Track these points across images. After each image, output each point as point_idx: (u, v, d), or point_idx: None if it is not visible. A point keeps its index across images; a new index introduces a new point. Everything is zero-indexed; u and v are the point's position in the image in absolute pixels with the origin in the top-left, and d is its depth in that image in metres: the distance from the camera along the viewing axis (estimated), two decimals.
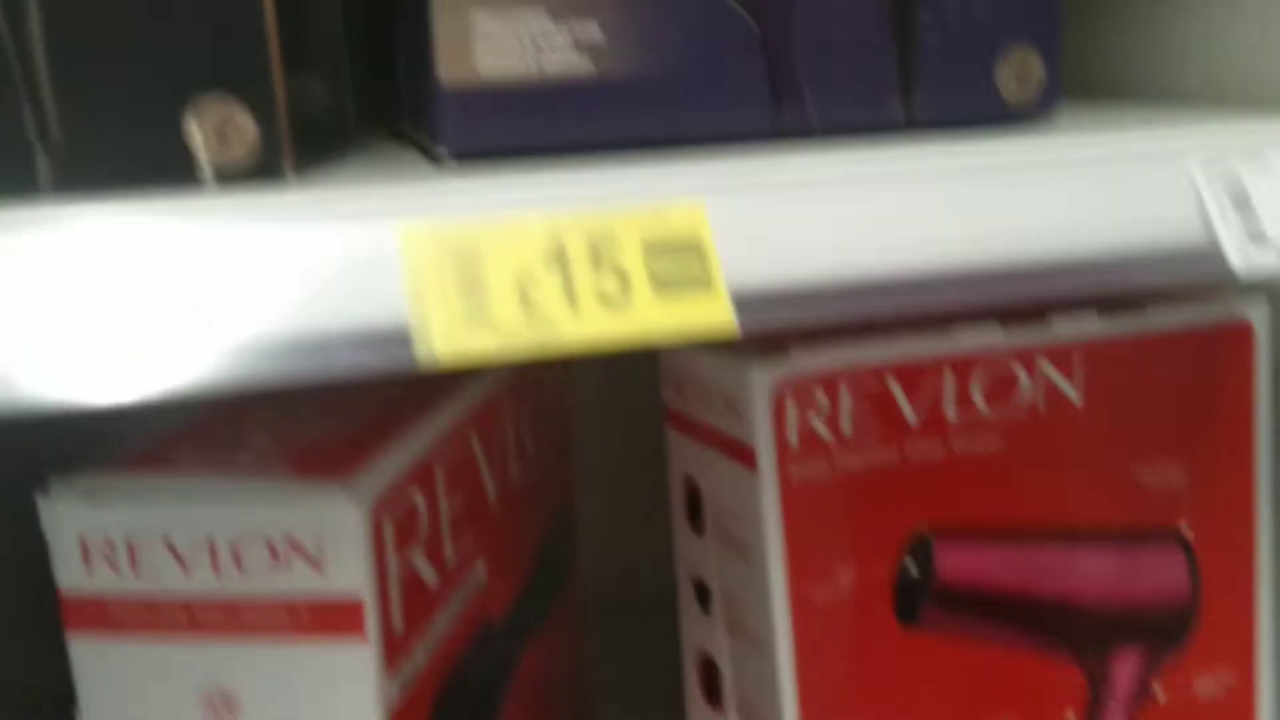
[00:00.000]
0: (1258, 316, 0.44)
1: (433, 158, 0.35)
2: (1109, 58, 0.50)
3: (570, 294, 0.27)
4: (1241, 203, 0.33)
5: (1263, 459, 0.44)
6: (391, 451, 0.35)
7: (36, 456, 0.44)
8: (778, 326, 0.29)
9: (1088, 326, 0.42)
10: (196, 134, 0.29)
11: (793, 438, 0.39)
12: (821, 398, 0.39)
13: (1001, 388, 0.41)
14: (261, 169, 0.30)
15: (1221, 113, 0.42)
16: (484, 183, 0.29)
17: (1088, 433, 0.42)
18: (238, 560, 0.32)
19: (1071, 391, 0.42)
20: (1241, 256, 0.33)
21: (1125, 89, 0.50)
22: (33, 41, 0.27)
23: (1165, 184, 0.33)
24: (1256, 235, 0.33)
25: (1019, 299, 0.31)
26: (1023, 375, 0.41)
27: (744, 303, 0.29)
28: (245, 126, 0.29)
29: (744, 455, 0.39)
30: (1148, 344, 0.43)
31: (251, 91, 0.29)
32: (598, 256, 0.28)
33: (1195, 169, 0.33)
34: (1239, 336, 0.44)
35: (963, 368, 0.41)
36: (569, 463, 0.54)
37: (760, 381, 0.38)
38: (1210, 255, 0.33)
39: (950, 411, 0.41)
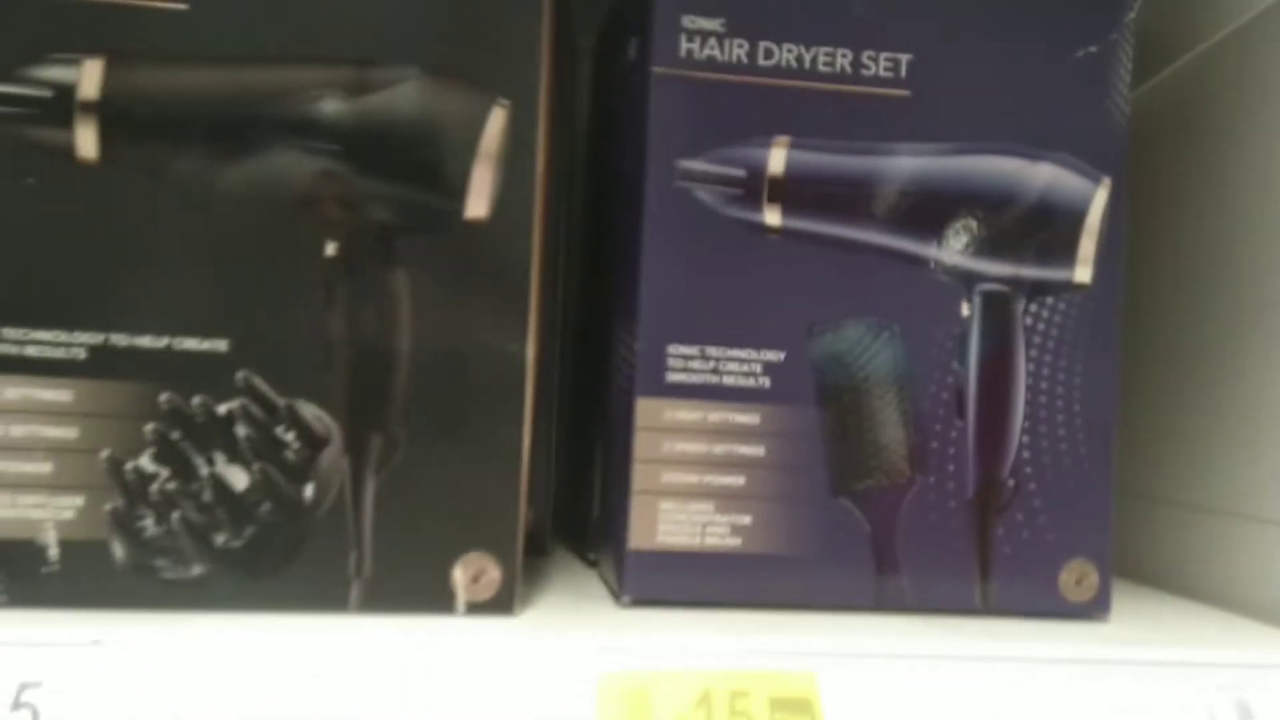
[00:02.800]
0: None
1: (614, 595, 0.46)
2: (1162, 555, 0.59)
3: None
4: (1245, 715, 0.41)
5: None
6: None
7: None
8: None
9: None
10: (459, 579, 0.41)
11: None
12: None
13: None
14: (498, 606, 0.41)
15: (1244, 634, 0.50)
16: (654, 632, 0.40)
17: None
18: None
19: None
20: None
21: (1179, 581, 0.59)
22: (365, 508, 0.40)
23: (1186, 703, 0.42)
24: None
25: None
26: None
27: None
28: (494, 575, 0.41)
29: None
30: None
31: (503, 550, 0.41)
32: (735, 706, 0.38)
33: (1212, 693, 0.42)
34: None
35: None
36: None
37: None
38: None
39: None
